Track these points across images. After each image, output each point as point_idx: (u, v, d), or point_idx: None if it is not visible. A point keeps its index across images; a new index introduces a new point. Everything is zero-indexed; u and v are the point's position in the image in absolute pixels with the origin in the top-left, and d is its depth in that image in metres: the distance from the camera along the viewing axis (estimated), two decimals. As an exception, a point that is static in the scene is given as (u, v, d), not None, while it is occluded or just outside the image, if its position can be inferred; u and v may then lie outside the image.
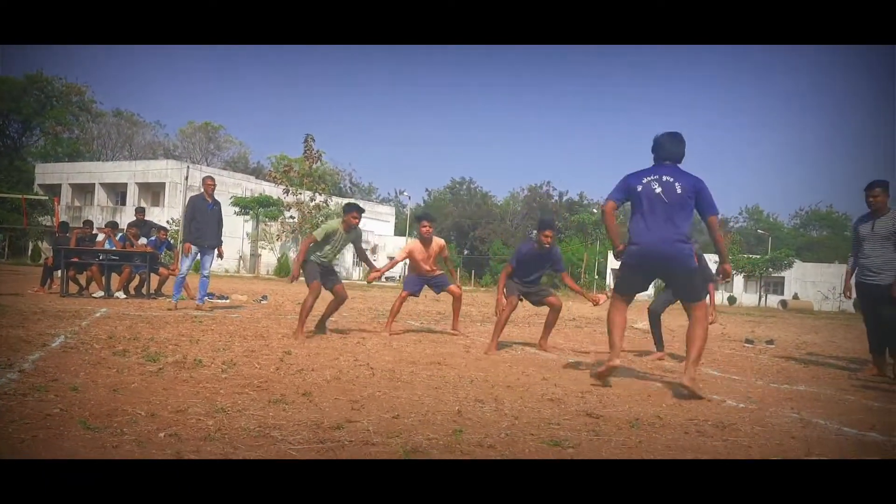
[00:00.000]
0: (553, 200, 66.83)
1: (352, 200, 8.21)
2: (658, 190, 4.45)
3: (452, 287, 7.79)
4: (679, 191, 4.42)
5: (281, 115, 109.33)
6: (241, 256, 45.87)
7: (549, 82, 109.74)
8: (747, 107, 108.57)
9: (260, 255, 45.10)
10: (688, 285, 4.57)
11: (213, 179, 9.46)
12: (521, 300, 6.71)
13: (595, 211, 65.68)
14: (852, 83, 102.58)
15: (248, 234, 45.76)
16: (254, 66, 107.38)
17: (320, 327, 7.18)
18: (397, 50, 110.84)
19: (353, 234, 7.06)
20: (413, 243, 7.74)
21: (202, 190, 9.36)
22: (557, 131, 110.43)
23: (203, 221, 9.09)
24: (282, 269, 38.55)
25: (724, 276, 4.87)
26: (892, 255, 5.91)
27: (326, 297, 7.10)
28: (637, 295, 5.10)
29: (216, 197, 9.46)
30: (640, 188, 4.51)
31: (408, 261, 7.83)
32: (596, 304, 6.71)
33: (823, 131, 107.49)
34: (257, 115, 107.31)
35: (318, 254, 6.97)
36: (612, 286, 7.21)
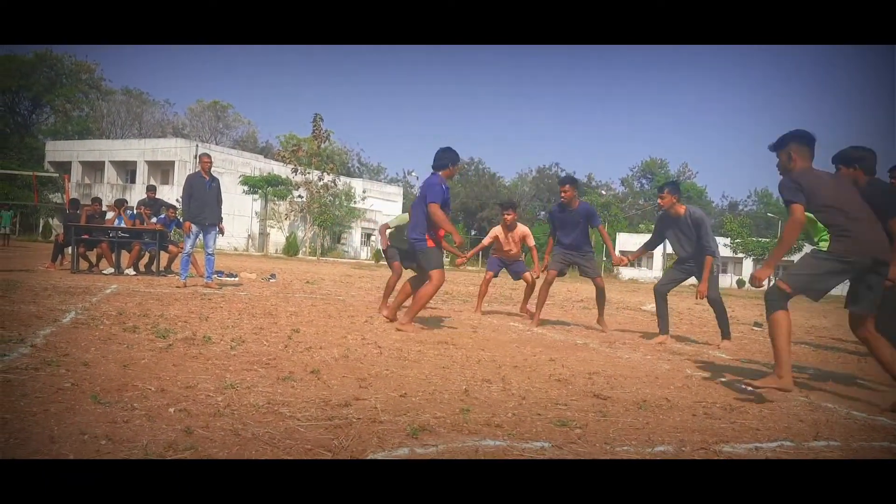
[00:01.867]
0: (562, 182, 66.60)
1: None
2: (418, 195, 6.22)
3: (525, 275, 8.27)
4: (419, 193, 6.17)
5: (290, 94, 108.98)
6: (249, 235, 45.99)
7: (559, 68, 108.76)
8: (759, 91, 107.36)
9: (269, 233, 45.20)
10: (421, 262, 6.18)
11: (209, 157, 9.46)
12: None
13: (604, 193, 65.54)
14: (860, 73, 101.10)
15: (256, 213, 45.84)
16: (264, 46, 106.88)
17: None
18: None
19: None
20: (497, 229, 8.33)
21: (199, 167, 9.37)
22: (566, 114, 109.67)
23: (202, 199, 9.09)
24: (290, 248, 38.67)
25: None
26: None
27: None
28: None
29: (215, 174, 9.48)
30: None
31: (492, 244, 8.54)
32: (620, 264, 6.93)
33: (833, 115, 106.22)
34: (266, 95, 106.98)
35: (398, 242, 7.96)
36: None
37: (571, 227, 7.21)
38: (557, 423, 2.95)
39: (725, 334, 6.46)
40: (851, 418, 3.51)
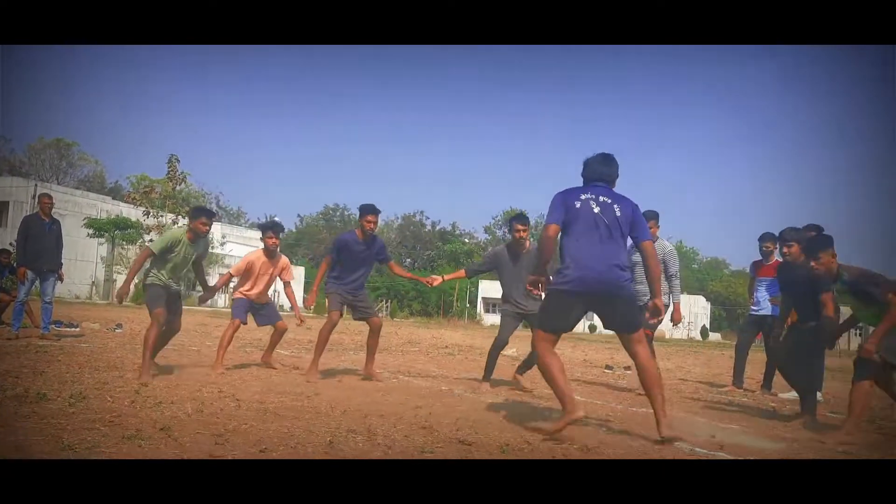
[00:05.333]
0: (426, 229, 67.69)
1: (198, 206, 7.13)
2: (596, 210, 4.06)
3: (279, 322, 6.88)
4: (618, 213, 4.07)
5: (143, 133, 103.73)
6: (93, 282, 42.79)
7: (421, 114, 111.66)
8: (592, 139, 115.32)
9: (115, 280, 42.21)
10: (628, 315, 4.11)
11: (49, 197, 8.83)
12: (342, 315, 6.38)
13: (467, 241, 67.19)
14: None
15: (102, 258, 42.81)
16: (115, 78, 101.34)
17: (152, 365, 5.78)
18: (268, 70, 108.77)
19: (200, 245, 6.10)
20: (255, 255, 6.73)
21: (37, 208, 8.70)
22: (430, 162, 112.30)
23: (39, 243, 8.40)
24: (139, 296, 36.24)
25: (655, 313, 4.39)
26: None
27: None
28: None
29: (56, 216, 8.83)
30: (578, 205, 4.08)
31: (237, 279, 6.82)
32: (431, 284, 6.60)
33: (671, 172, 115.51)
34: (116, 134, 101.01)
35: (159, 273, 5.85)
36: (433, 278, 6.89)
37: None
38: (423, 472, 2.93)
39: (487, 376, 6.26)
40: (695, 454, 3.76)
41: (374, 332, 6.41)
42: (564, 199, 4.12)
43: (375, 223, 6.36)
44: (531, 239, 6.38)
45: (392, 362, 8.26)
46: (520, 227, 6.24)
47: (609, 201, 4.09)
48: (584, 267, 3.98)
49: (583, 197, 4.10)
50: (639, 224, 4.14)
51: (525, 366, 6.39)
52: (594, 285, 3.97)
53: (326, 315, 6.31)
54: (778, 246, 6.60)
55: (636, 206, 4.18)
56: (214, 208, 67.57)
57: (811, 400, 5.34)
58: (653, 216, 6.49)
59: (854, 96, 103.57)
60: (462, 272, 6.70)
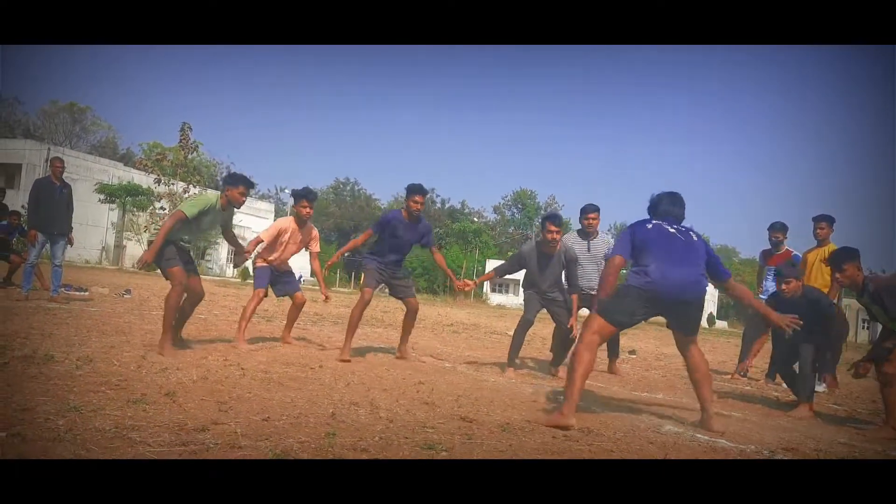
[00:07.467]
0: (436, 207, 67.62)
1: (236, 172, 6.38)
2: (671, 230, 4.13)
3: (298, 294, 6.54)
4: (694, 238, 4.15)
5: (156, 100, 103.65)
6: (103, 247, 43.08)
7: (432, 92, 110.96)
8: (592, 130, 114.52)
9: (125, 246, 42.50)
10: (696, 318, 4.25)
11: (61, 161, 8.88)
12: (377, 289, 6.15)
13: (476, 220, 67.10)
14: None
15: (112, 224, 43.06)
16: (130, 46, 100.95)
17: (177, 340, 5.47)
18: (281, 46, 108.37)
19: (229, 213, 5.68)
20: (285, 221, 6.42)
21: (49, 172, 8.76)
22: (442, 141, 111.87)
23: (50, 207, 8.49)
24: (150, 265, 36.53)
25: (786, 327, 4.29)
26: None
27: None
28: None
29: (67, 180, 8.88)
30: (649, 226, 4.16)
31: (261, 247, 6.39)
32: (463, 289, 6.41)
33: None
34: (130, 100, 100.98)
35: (180, 234, 5.44)
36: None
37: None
38: (424, 447, 2.95)
39: (512, 361, 6.17)
40: (696, 441, 3.76)
41: (411, 314, 6.30)
42: (633, 231, 4.18)
43: (422, 203, 6.14)
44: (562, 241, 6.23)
45: (397, 338, 8.28)
46: (553, 228, 5.94)
47: (683, 229, 4.19)
48: (664, 270, 3.95)
49: (654, 222, 4.19)
50: (714, 260, 4.18)
51: (559, 359, 6.31)
52: (673, 290, 3.97)
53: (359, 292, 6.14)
54: (772, 270, 6.59)
55: (708, 243, 4.25)
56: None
57: (809, 389, 5.36)
58: (593, 209, 6.90)
59: (855, 94, 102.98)
60: (492, 273, 6.53)
